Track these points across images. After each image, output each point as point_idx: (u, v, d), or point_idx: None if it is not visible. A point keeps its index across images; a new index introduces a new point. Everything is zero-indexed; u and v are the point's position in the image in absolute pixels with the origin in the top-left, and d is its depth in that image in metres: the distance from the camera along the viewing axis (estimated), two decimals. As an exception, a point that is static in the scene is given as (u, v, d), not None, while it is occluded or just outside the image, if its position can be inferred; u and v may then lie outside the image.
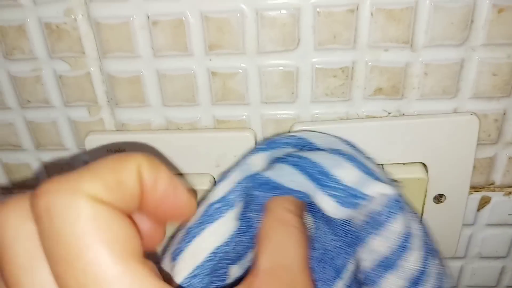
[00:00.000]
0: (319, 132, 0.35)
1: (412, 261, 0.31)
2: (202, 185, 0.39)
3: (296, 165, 0.30)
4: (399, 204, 0.30)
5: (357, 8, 0.33)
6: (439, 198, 0.39)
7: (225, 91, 0.37)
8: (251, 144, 0.38)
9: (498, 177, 0.40)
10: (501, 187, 0.41)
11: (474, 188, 0.41)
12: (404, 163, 0.38)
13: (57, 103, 0.39)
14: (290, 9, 0.33)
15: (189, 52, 0.35)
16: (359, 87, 0.36)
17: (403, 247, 0.31)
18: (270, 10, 0.33)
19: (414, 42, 0.34)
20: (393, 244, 0.31)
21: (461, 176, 0.38)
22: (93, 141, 0.39)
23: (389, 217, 0.29)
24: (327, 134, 0.35)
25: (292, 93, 0.37)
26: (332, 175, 0.29)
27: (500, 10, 0.33)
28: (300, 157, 0.31)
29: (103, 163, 0.23)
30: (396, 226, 0.30)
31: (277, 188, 0.30)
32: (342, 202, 0.29)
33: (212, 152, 0.39)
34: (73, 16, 0.35)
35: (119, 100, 0.38)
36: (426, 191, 0.39)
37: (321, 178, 0.29)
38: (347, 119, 0.38)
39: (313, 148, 0.34)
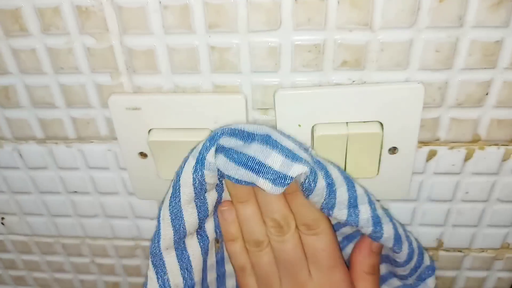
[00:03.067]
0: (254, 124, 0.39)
1: (343, 192, 0.38)
2: (202, 138, 0.41)
3: (238, 162, 0.36)
4: (315, 174, 0.36)
5: None
6: (393, 150, 0.43)
7: (222, 62, 0.40)
8: (243, 104, 0.42)
9: (443, 134, 0.44)
10: (446, 142, 0.45)
11: (423, 142, 0.45)
12: (364, 122, 0.42)
13: (85, 70, 0.42)
14: None
15: (192, 30, 0.39)
16: (329, 60, 0.40)
17: (332, 191, 0.37)
18: None
19: (373, 24, 0.38)
20: (325, 195, 0.37)
21: (411, 133, 0.42)
22: (115, 101, 0.43)
23: (314, 182, 0.36)
24: (261, 125, 0.39)
25: (276, 64, 0.40)
26: (265, 164, 0.35)
27: (441, 0, 0.36)
28: (239, 153, 0.36)
29: None
30: (320, 185, 0.36)
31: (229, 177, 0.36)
32: (276, 183, 0.35)
33: (211, 111, 0.42)
34: (99, 0, 0.38)
35: (136, 68, 0.42)
36: (382, 144, 0.43)
37: (257, 168, 0.35)
38: (320, 85, 0.41)
39: (251, 138, 0.38)
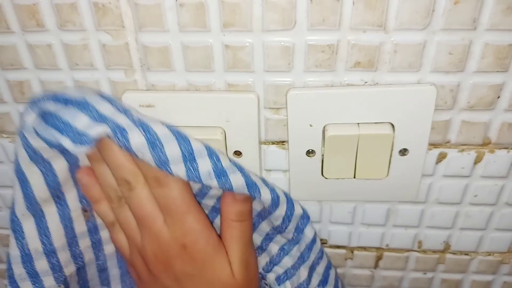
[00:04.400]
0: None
1: (173, 147, 0.38)
2: (215, 136, 0.43)
3: (47, 123, 0.37)
4: (123, 130, 0.37)
5: None
6: (403, 152, 0.43)
7: (235, 61, 0.40)
8: (255, 103, 0.42)
9: (453, 137, 0.44)
10: (456, 145, 0.44)
11: (434, 145, 0.44)
12: (375, 123, 0.42)
13: (100, 66, 0.42)
14: None
15: (207, 29, 0.39)
16: (342, 60, 0.40)
17: (155, 145, 0.38)
18: None
19: (387, 26, 0.38)
20: (149, 151, 0.38)
21: (421, 135, 0.42)
22: (128, 98, 0.43)
23: (125, 139, 0.37)
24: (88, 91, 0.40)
25: (289, 64, 0.40)
26: (69, 124, 0.36)
27: (456, 1, 0.36)
28: (51, 114, 0.37)
29: None
30: (136, 141, 0.37)
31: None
32: (75, 141, 0.35)
33: (224, 109, 0.42)
34: None
35: (150, 66, 0.42)
36: (392, 145, 0.43)
37: (62, 127, 0.36)
38: (332, 86, 0.41)
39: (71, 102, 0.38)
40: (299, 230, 0.46)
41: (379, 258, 0.55)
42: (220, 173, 0.38)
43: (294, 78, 0.41)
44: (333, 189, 0.47)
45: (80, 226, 0.44)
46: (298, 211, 0.45)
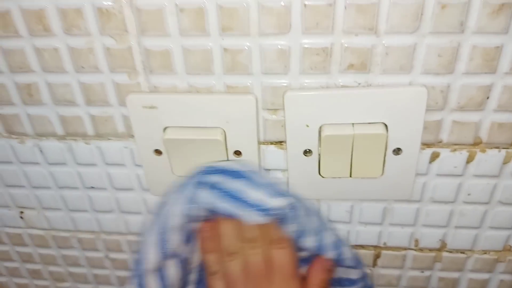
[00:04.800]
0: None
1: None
2: (215, 136, 0.44)
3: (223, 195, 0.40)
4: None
5: (335, 3, 0.38)
6: (397, 151, 0.45)
7: (234, 64, 0.42)
8: (253, 104, 0.43)
9: (445, 136, 0.45)
10: (448, 145, 0.46)
11: (426, 144, 0.46)
12: (369, 123, 0.43)
13: (105, 69, 0.44)
14: (284, 2, 0.38)
15: (207, 33, 0.40)
16: (336, 63, 0.41)
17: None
18: (269, 2, 0.38)
19: (378, 29, 0.39)
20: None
21: (414, 134, 0.43)
22: (132, 100, 0.45)
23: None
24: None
25: (285, 66, 0.42)
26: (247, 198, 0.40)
27: (443, 6, 0.38)
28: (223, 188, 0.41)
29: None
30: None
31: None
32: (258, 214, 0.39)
33: (223, 110, 0.44)
34: (119, 3, 0.40)
35: (153, 68, 0.43)
36: (386, 145, 0.44)
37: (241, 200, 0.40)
38: (327, 87, 0.43)
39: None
40: None
41: (377, 256, 0.56)
42: (338, 244, 0.44)
43: (290, 80, 0.43)
44: (330, 188, 0.49)
45: None
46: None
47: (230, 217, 0.40)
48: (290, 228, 0.41)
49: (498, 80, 0.41)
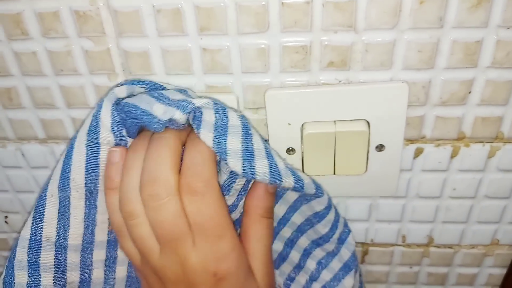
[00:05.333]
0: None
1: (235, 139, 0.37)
2: None
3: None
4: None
5: (312, 1, 0.38)
6: (380, 148, 0.45)
7: (214, 63, 0.42)
8: (235, 104, 0.43)
9: (428, 132, 0.45)
10: (432, 140, 0.46)
11: (410, 140, 0.46)
12: (351, 120, 0.43)
13: (84, 71, 0.44)
14: (261, 1, 0.38)
15: (185, 33, 0.40)
16: (316, 60, 0.41)
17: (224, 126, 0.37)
18: (246, 1, 0.38)
19: (357, 26, 0.39)
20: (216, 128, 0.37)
21: (396, 131, 0.44)
22: None
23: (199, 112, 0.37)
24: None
25: (265, 65, 0.42)
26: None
27: (421, 1, 0.38)
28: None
29: (169, 156, 0.35)
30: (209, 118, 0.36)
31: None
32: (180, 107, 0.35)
33: None
34: (96, 5, 0.40)
35: (132, 70, 0.43)
36: (369, 142, 0.44)
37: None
38: (308, 85, 0.43)
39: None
40: (342, 240, 0.46)
41: (365, 253, 0.56)
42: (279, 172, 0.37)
43: (271, 78, 0.43)
44: (315, 186, 0.48)
45: (101, 234, 0.40)
46: (341, 216, 0.46)
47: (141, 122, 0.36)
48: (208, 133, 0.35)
49: (480, 74, 0.41)
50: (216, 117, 0.36)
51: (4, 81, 0.46)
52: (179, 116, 0.35)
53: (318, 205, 0.43)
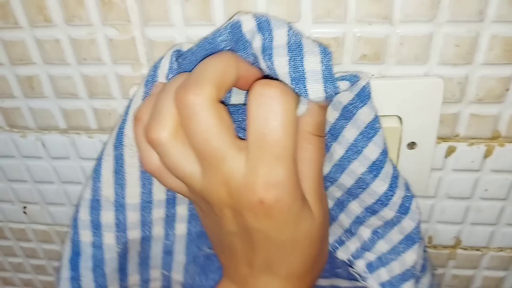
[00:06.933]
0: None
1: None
2: None
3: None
4: (367, 91, 0.34)
5: None
6: (411, 146, 0.43)
7: (241, 55, 0.41)
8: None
9: (462, 130, 0.43)
10: (465, 139, 0.44)
11: (442, 138, 0.44)
12: (383, 115, 0.41)
13: (107, 61, 0.43)
14: None
15: (213, 22, 0.39)
16: (348, 53, 0.39)
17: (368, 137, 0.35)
18: None
19: (392, 18, 0.37)
20: (361, 130, 0.35)
21: (429, 128, 0.42)
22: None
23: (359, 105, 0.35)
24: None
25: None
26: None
27: None
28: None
29: (211, 69, 0.31)
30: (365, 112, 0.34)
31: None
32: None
33: None
34: None
35: (156, 60, 0.41)
36: (400, 139, 0.42)
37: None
38: (339, 79, 0.41)
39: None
40: (404, 207, 0.39)
41: (389, 253, 0.55)
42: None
43: (300, 71, 0.41)
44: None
45: (159, 193, 0.40)
46: (403, 179, 0.39)
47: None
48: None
49: (519, 71, 0.39)
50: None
51: (26, 69, 0.45)
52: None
53: (371, 149, 0.37)
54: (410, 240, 0.40)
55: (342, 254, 0.45)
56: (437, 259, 0.55)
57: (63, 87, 0.45)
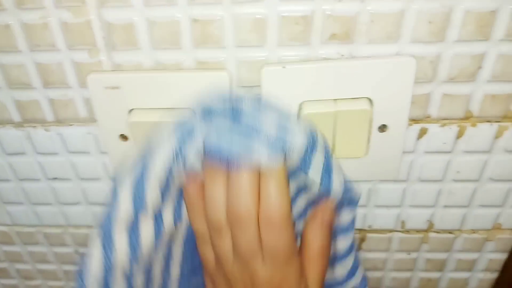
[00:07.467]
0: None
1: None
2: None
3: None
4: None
5: None
6: (382, 128, 0.42)
7: (205, 36, 0.38)
8: (227, 82, 0.40)
9: (434, 111, 0.42)
10: (437, 120, 0.43)
11: (414, 120, 0.43)
12: (353, 98, 0.40)
13: (62, 47, 0.40)
14: None
15: (173, 2, 0.37)
16: (317, 32, 0.38)
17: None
18: None
19: (362, -6, 0.35)
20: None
21: (401, 109, 0.41)
22: (93, 80, 0.41)
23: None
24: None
25: (262, 37, 0.38)
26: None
27: None
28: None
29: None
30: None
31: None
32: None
33: (194, 89, 0.40)
34: None
35: (115, 44, 0.40)
36: (371, 122, 0.41)
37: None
38: (308, 60, 0.39)
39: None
40: None
41: (362, 240, 0.54)
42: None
43: (268, 53, 0.39)
44: (312, 169, 0.45)
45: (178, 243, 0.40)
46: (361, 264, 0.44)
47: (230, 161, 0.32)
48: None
49: (492, 47, 0.38)
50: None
51: (-26, 58, 0.41)
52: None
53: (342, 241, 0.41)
54: None
55: None
56: (410, 244, 0.54)
57: (16, 77, 0.42)
